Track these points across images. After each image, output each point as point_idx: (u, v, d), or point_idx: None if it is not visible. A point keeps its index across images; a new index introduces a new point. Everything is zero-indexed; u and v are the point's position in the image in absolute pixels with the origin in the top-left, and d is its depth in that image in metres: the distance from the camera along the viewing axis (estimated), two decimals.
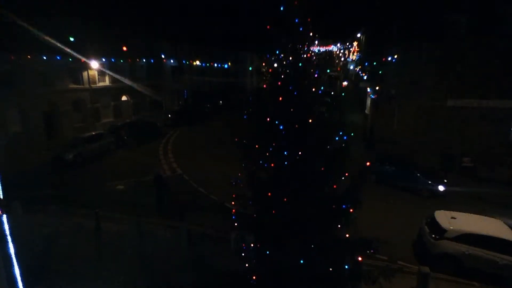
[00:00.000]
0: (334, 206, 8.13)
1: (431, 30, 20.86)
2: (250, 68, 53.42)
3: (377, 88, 22.19)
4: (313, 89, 8.33)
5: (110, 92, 30.25)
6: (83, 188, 16.85)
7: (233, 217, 9.61)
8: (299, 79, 8.20)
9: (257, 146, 8.70)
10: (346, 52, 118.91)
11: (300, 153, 8.19)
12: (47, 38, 22.67)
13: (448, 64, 20.70)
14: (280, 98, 8.20)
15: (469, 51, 20.37)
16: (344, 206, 8.12)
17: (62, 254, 11.55)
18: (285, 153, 8.37)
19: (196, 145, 24.69)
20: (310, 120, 8.20)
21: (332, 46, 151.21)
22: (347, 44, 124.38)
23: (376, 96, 22.80)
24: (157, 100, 35.22)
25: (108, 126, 27.95)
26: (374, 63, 23.06)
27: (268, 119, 8.30)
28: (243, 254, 9.32)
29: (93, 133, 22.76)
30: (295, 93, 8.14)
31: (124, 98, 32.02)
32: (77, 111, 27.48)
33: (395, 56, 21.01)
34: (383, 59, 21.21)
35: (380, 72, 21.90)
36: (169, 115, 31.34)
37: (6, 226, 5.26)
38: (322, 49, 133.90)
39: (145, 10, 35.85)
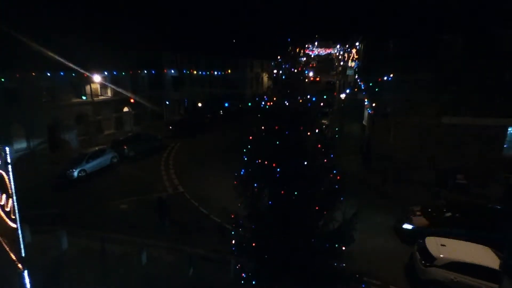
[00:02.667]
0: (327, 245, 8.66)
1: (427, 49, 21.41)
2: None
3: (373, 105, 22.72)
4: (308, 133, 8.86)
5: (112, 104, 30.78)
6: (88, 207, 17.30)
7: (233, 248, 10.20)
8: (295, 124, 8.74)
9: (255, 184, 9.25)
10: (346, 55, 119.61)
11: (295, 192, 8.74)
12: (50, 53, 23.21)
13: (443, 83, 21.21)
14: (277, 142, 8.77)
15: (463, 70, 20.89)
16: (337, 245, 8.67)
17: (70, 278, 12.09)
18: (282, 192, 8.93)
19: (197, 159, 25.15)
20: (305, 162, 8.74)
21: (332, 48, 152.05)
22: (346, 46, 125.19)
23: (372, 112, 23.33)
24: (158, 110, 35.76)
25: (110, 138, 28.61)
26: (370, 84, 23.60)
27: (266, 161, 8.83)
28: (242, 282, 9.89)
29: (97, 149, 23.24)
30: (291, 137, 8.69)
31: (125, 109, 32.51)
32: (80, 124, 27.99)
33: (391, 75, 21.56)
34: (379, 79, 21.76)
35: (376, 89, 22.42)
36: (170, 127, 31.83)
37: (27, 280, 5.77)
38: (322, 52, 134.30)
39: (145, 22, 36.45)
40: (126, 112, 32.60)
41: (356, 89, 32.56)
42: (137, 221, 15.82)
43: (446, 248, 11.48)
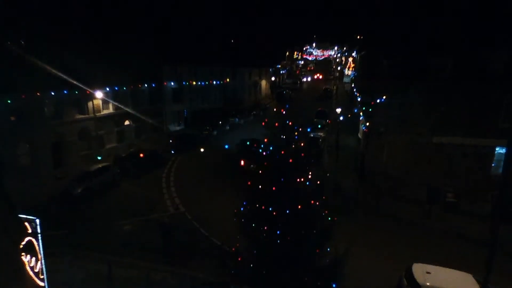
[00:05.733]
0: (319, 283, 9.49)
1: (418, 71, 22.29)
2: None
3: (367, 124, 23.61)
4: (302, 179, 9.68)
5: (114, 119, 31.51)
6: (93, 228, 17.88)
7: (233, 274, 11.05)
8: (289, 171, 9.57)
9: (253, 224, 10.07)
10: (343, 58, 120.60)
11: (290, 233, 9.59)
12: (54, 72, 23.93)
13: (433, 104, 22.12)
14: (274, 188, 9.61)
15: (453, 92, 21.78)
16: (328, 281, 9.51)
17: None
18: (278, 232, 9.78)
19: (197, 174, 25.88)
20: (299, 206, 9.59)
21: (330, 50, 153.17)
22: (344, 48, 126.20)
23: (366, 130, 24.22)
24: (158, 122, 36.56)
25: (112, 152, 29.49)
26: (364, 108, 24.52)
27: (263, 204, 9.67)
28: None
29: (100, 166, 23.91)
30: (286, 183, 9.53)
31: (127, 122, 33.25)
32: (83, 139, 28.71)
33: (384, 97, 22.45)
34: (372, 102, 22.67)
35: (370, 109, 23.32)
36: (170, 140, 32.58)
37: None
38: (320, 57, 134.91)
39: (144, 35, 37.22)
40: (127, 125, 33.34)
41: (350, 115, 33.45)
42: (141, 243, 16.46)
43: (431, 276, 12.33)
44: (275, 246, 9.70)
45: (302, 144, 9.90)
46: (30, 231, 6.06)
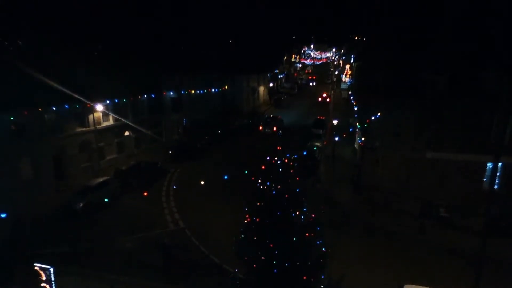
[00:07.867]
0: None
1: (412, 88, 22.85)
2: None
3: (363, 138, 24.16)
4: (297, 212, 10.21)
5: (114, 130, 31.93)
6: (95, 245, 18.24)
7: None
8: (285, 206, 10.10)
9: (250, 254, 10.60)
10: (341, 61, 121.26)
11: (285, 264, 10.12)
12: (55, 86, 24.37)
13: (427, 120, 22.66)
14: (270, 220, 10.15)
15: (446, 108, 22.33)
16: None
17: None
18: (274, 262, 10.31)
19: (196, 188, 26.17)
20: (294, 238, 10.12)
21: (328, 52, 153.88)
22: (342, 51, 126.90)
23: (362, 144, 24.78)
24: (157, 132, 37.03)
25: (113, 163, 29.94)
26: (358, 125, 25.07)
27: (260, 237, 10.20)
28: None
29: (101, 180, 24.32)
30: (283, 217, 10.07)
31: (126, 133, 33.65)
32: (83, 151, 29.13)
33: (379, 114, 23.00)
34: (367, 120, 23.22)
35: (365, 125, 23.87)
36: (170, 152, 33.01)
37: None
38: (317, 61, 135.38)
39: (144, 46, 37.72)
40: (127, 136, 33.77)
41: (344, 135, 33.94)
42: (141, 261, 16.96)
43: None
44: (272, 275, 10.23)
45: (298, 179, 10.39)
46: (44, 278, 6.55)
